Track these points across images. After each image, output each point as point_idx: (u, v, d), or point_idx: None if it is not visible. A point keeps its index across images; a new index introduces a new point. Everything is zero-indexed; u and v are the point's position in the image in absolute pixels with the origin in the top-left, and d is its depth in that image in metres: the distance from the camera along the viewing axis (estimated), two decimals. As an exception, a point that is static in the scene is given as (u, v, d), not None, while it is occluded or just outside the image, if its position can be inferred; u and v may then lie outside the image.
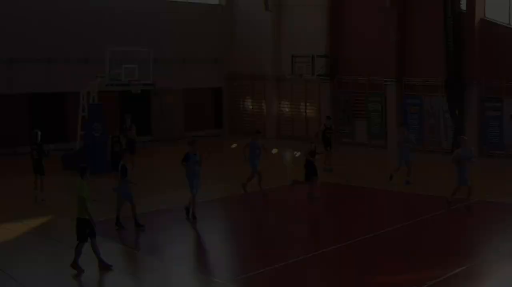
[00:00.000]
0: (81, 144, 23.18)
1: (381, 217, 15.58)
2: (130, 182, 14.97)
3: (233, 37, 33.71)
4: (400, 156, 20.20)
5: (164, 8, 30.41)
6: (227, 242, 14.78)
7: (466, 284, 11.24)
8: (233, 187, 19.30)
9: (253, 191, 18.94)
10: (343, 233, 14.90)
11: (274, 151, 25.38)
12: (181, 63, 31.83)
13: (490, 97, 24.75)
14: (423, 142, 26.37)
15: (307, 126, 30.86)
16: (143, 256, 13.37)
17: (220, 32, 33.49)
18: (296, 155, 24.81)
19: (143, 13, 29.53)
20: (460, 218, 16.22)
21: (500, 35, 24.56)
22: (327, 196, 18.86)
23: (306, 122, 30.97)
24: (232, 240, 14.92)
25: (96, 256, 11.94)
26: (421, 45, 26.51)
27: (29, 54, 26.45)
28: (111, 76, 22.51)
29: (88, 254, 13.02)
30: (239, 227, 15.93)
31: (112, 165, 17.92)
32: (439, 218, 15.96)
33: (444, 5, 24.65)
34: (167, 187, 19.83)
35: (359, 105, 28.91)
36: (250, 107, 33.51)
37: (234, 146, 26.07)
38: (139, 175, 21.88)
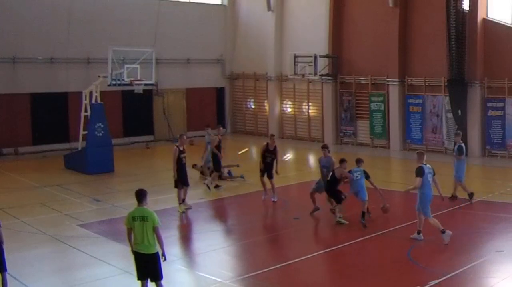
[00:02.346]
0: (83, 144, 23.20)
1: (381, 217, 15.52)
2: None
3: (235, 37, 33.75)
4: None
5: (167, 8, 30.44)
6: (228, 242, 14.77)
7: (466, 284, 11.21)
8: (235, 187, 19.30)
9: (253, 191, 18.97)
10: (345, 233, 14.86)
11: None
12: (184, 63, 31.88)
13: (493, 97, 24.71)
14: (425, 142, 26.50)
15: (309, 126, 30.89)
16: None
17: (222, 32, 33.53)
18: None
19: (146, 13, 29.56)
20: (461, 218, 16.19)
21: (502, 35, 24.51)
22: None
23: (308, 122, 30.97)
24: (233, 239, 14.92)
25: None
26: (423, 45, 26.49)
27: (31, 54, 26.54)
28: (114, 76, 22.54)
29: (89, 253, 13.10)
30: (240, 226, 15.92)
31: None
32: (439, 218, 15.89)
33: (447, 5, 24.62)
34: (166, 186, 19.86)
35: (362, 105, 28.90)
36: (253, 107, 33.52)
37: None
38: (140, 174, 22.07)
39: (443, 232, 13.34)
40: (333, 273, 12.61)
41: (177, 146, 16.64)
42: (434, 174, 13.57)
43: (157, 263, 9.89)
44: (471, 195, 17.20)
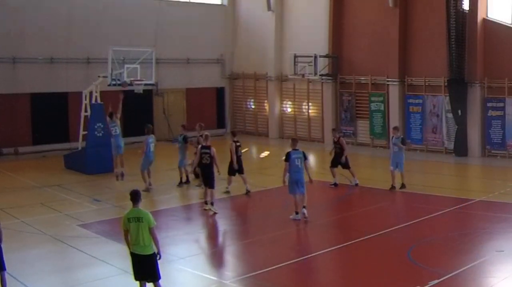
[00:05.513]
0: (83, 144, 23.18)
1: (381, 217, 15.53)
2: None
3: (235, 37, 33.75)
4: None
5: (167, 8, 30.44)
6: (228, 242, 14.78)
7: (466, 284, 11.21)
8: (235, 187, 19.30)
9: (252, 191, 18.98)
10: (345, 233, 14.88)
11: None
12: (184, 63, 31.87)
13: (493, 97, 24.70)
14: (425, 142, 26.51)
15: (309, 126, 30.89)
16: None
17: (222, 32, 33.52)
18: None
19: (146, 13, 29.57)
20: (461, 218, 16.20)
21: (502, 35, 24.49)
22: (329, 195, 18.86)
23: (308, 122, 30.96)
24: (233, 239, 14.92)
25: None
26: (423, 45, 26.46)
27: (31, 54, 26.52)
28: (114, 76, 22.53)
29: (89, 253, 13.10)
30: (240, 226, 15.92)
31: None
32: (439, 218, 15.92)
33: (447, 5, 24.60)
34: (167, 186, 19.86)
35: (362, 105, 28.88)
36: (253, 107, 33.52)
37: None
38: (140, 174, 22.03)
39: (296, 213, 15.37)
40: (333, 273, 12.60)
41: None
42: (305, 159, 15.49)
43: (154, 264, 9.91)
44: (401, 186, 19.00)
